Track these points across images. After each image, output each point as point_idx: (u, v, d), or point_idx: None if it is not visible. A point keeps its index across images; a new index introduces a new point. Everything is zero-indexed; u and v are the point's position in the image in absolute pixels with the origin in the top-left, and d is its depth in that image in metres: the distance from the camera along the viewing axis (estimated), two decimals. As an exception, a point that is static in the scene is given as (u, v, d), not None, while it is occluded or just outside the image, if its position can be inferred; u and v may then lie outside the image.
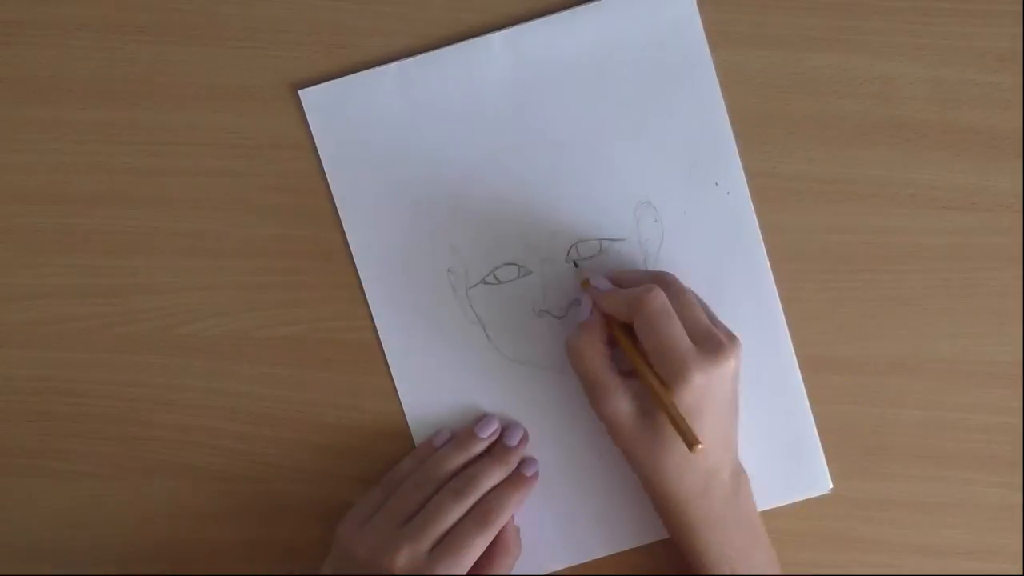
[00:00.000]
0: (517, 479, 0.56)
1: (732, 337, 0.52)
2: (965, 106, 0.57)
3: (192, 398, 0.58)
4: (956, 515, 0.58)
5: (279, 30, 0.57)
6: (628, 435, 0.52)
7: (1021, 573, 0.58)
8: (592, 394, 0.53)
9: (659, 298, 0.50)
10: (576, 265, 0.57)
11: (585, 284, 0.55)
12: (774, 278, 0.57)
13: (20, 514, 0.58)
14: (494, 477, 0.55)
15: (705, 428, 0.50)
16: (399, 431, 0.58)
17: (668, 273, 0.54)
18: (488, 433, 0.56)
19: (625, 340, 0.52)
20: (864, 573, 0.58)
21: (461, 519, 0.53)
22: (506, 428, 0.57)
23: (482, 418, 0.57)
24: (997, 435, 0.58)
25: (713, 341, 0.50)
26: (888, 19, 0.57)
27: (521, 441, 0.56)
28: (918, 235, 0.57)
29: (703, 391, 0.50)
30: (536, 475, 0.56)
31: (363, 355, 0.58)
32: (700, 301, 0.54)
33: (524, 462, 0.57)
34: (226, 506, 0.58)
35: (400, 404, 0.58)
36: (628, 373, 0.53)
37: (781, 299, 0.57)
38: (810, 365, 0.57)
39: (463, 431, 0.57)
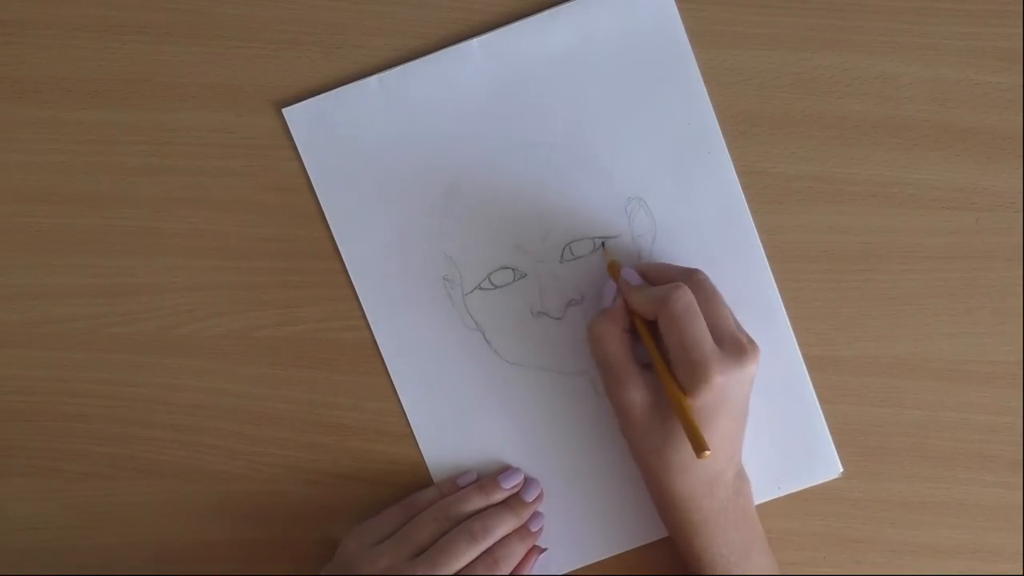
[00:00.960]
0: (525, 534, 0.56)
1: (753, 343, 0.51)
2: (965, 106, 0.57)
3: (192, 398, 0.58)
4: (956, 515, 0.58)
5: (278, 30, 0.57)
6: (639, 426, 0.52)
7: (1021, 573, 0.58)
8: (609, 380, 0.53)
9: (686, 297, 0.50)
10: (603, 245, 0.56)
11: (612, 268, 0.55)
12: (774, 278, 0.57)
13: (20, 514, 0.58)
14: (506, 526, 0.55)
15: (717, 431, 0.50)
16: (399, 431, 0.58)
17: (699, 271, 0.53)
18: (511, 486, 0.57)
19: (647, 336, 0.52)
20: (864, 573, 0.58)
21: (474, 561, 0.54)
22: (525, 483, 0.57)
23: (507, 470, 0.57)
24: (997, 435, 0.58)
25: (737, 344, 0.50)
26: (888, 19, 0.57)
27: (537, 498, 0.57)
28: (918, 235, 0.57)
29: (721, 393, 0.49)
30: (540, 531, 0.57)
31: (363, 355, 0.58)
32: (726, 304, 0.54)
33: (532, 517, 0.57)
34: (226, 506, 0.58)
35: (400, 404, 0.58)
36: (648, 364, 0.53)
37: (781, 299, 0.57)
38: (810, 365, 0.57)
39: (487, 479, 0.57)
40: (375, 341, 0.58)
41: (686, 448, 0.50)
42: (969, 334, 0.58)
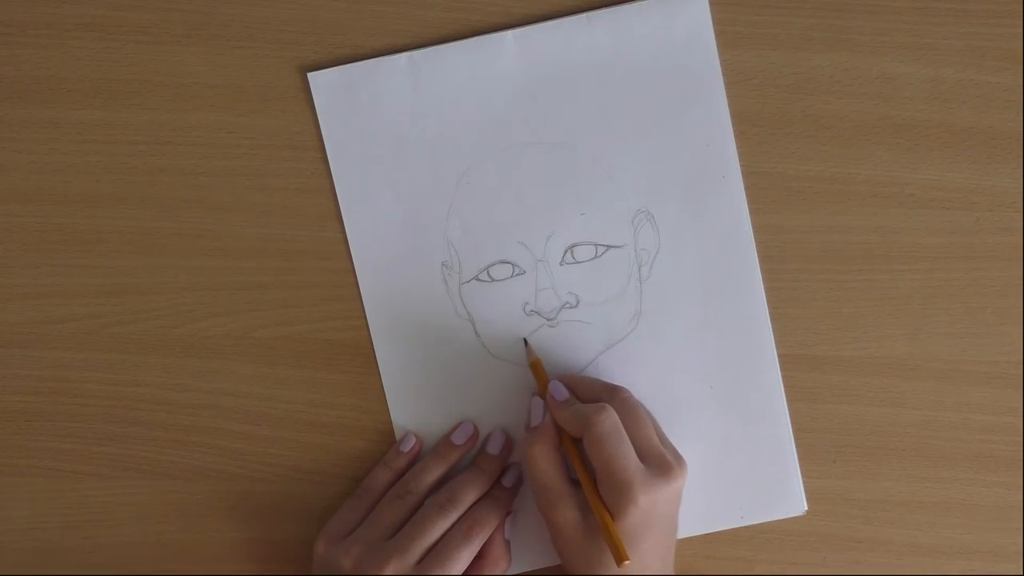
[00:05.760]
0: (499, 493, 0.56)
1: (679, 458, 0.52)
2: (965, 106, 0.57)
3: (192, 398, 0.58)
4: (956, 515, 0.58)
5: (279, 30, 0.57)
6: (571, 544, 0.52)
7: (1021, 573, 0.58)
8: (541, 499, 0.53)
9: (610, 419, 0.51)
10: (526, 343, 0.57)
11: (535, 366, 0.56)
12: (775, 278, 0.57)
13: (20, 514, 0.58)
14: (476, 489, 0.55)
15: (646, 547, 0.51)
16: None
17: (623, 388, 0.54)
18: (464, 440, 0.56)
19: (573, 455, 0.53)
20: (864, 573, 0.58)
21: (448, 531, 0.53)
22: (489, 435, 0.57)
23: (459, 425, 0.57)
24: (997, 435, 0.58)
25: (661, 462, 0.51)
26: (888, 19, 0.57)
27: (504, 448, 0.57)
28: (918, 235, 0.57)
29: (648, 511, 0.50)
30: (518, 484, 0.57)
31: (362, 355, 0.58)
32: (651, 418, 0.54)
33: (505, 471, 0.57)
34: (226, 506, 0.58)
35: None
36: (578, 480, 0.53)
37: (781, 299, 0.57)
38: (809, 365, 0.57)
39: (441, 441, 0.57)
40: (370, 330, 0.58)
41: (615, 564, 0.50)
42: (969, 334, 0.58)
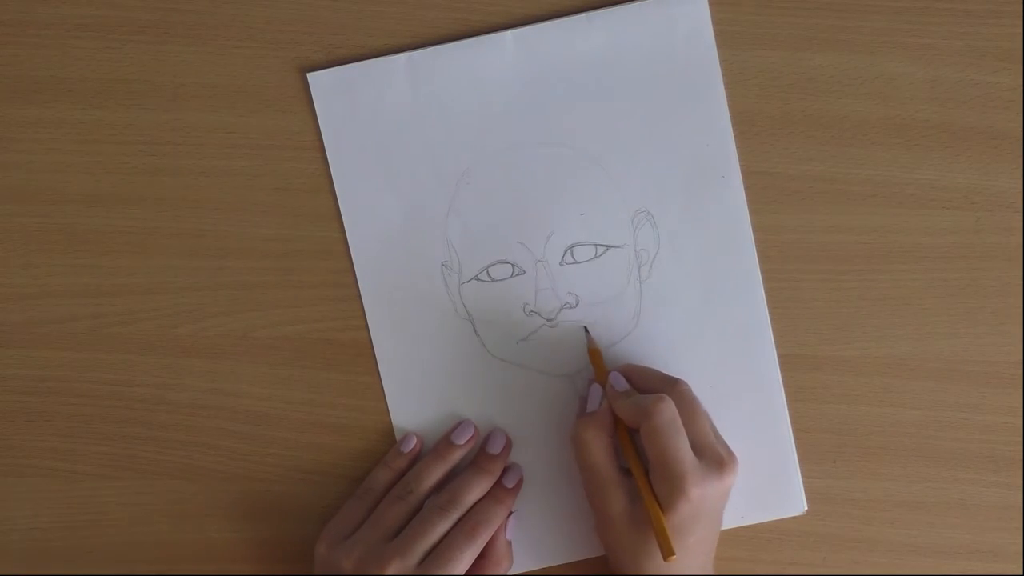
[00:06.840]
0: (500, 493, 0.56)
1: (731, 455, 0.52)
2: (965, 106, 0.57)
3: (192, 398, 0.58)
4: (956, 515, 0.58)
5: (279, 30, 0.57)
6: (616, 532, 0.52)
7: (1021, 573, 0.58)
8: (591, 486, 0.53)
9: (669, 411, 0.51)
10: (586, 331, 0.57)
11: (594, 356, 0.56)
12: (775, 278, 0.57)
13: (20, 514, 0.58)
14: (478, 490, 0.55)
15: (691, 540, 0.51)
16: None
17: (682, 380, 0.54)
18: (465, 439, 0.56)
19: (628, 445, 0.53)
20: (864, 573, 0.58)
21: (449, 532, 0.53)
22: (489, 435, 0.57)
23: (458, 425, 0.57)
24: (997, 435, 0.58)
25: (716, 457, 0.51)
26: (888, 19, 0.57)
27: (504, 448, 0.56)
28: (918, 235, 0.57)
29: (698, 505, 0.50)
30: (519, 484, 0.57)
31: (362, 355, 0.58)
32: (706, 414, 0.54)
33: (506, 471, 0.57)
34: (226, 506, 0.58)
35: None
36: (628, 470, 0.53)
37: (781, 299, 0.57)
38: (809, 365, 0.57)
39: (441, 441, 0.57)
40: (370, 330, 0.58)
41: (660, 556, 0.50)
42: (969, 334, 0.58)
